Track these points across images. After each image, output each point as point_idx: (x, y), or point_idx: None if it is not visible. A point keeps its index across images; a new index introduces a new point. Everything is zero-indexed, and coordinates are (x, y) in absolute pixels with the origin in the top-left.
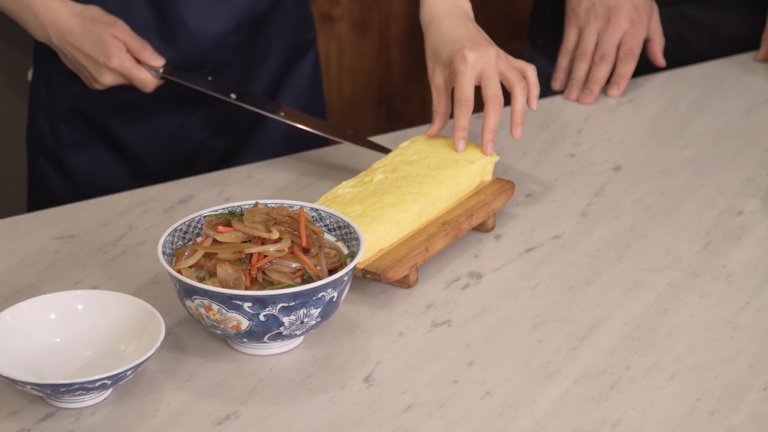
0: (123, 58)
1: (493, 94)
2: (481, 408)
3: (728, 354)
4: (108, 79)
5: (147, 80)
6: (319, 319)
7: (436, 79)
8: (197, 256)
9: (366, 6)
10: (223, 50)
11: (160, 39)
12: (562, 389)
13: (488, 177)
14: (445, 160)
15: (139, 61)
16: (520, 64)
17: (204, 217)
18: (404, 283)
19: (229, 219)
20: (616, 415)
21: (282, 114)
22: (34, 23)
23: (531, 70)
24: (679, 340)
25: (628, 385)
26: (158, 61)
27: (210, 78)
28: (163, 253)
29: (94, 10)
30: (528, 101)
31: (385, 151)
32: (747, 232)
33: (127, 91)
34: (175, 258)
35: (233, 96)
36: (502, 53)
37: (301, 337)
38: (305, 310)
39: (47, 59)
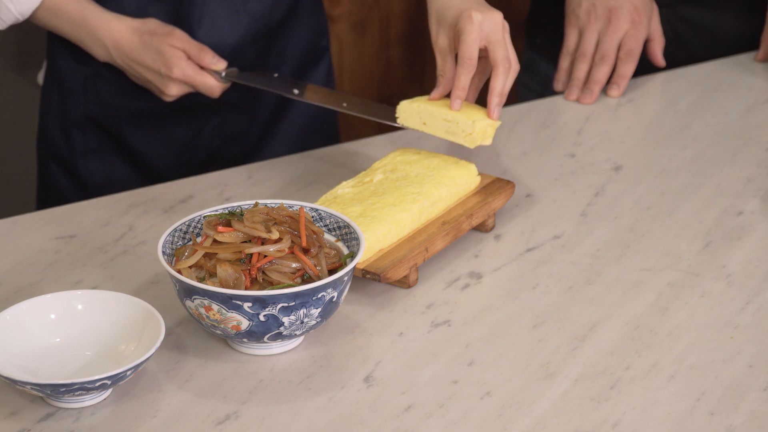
0: (184, 66)
1: (503, 57)
2: (481, 408)
3: (728, 354)
4: (174, 90)
5: (212, 85)
6: (319, 319)
7: (440, 41)
8: (197, 256)
9: (366, 6)
10: (239, 60)
11: None
12: (562, 389)
13: (488, 141)
14: (445, 160)
15: (202, 67)
16: (515, 52)
17: (204, 217)
18: (404, 283)
19: (229, 219)
20: (616, 415)
21: (344, 105)
22: (96, 44)
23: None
24: (679, 340)
25: (628, 385)
26: (220, 65)
27: (276, 74)
28: (163, 253)
29: (152, 23)
30: (500, 89)
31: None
32: (747, 232)
33: (140, 100)
34: (175, 258)
35: (296, 92)
36: (506, 24)
37: (301, 337)
38: (305, 310)
39: (59, 65)
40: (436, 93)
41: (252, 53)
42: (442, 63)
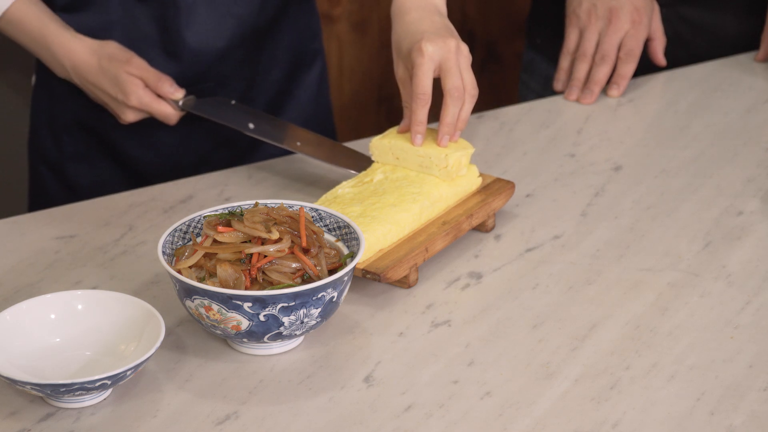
0: (141, 95)
1: (453, 86)
2: (481, 408)
3: (728, 354)
4: (130, 117)
5: (169, 113)
6: (319, 319)
7: (400, 72)
8: (197, 256)
9: (366, 6)
10: (227, 64)
11: (163, 53)
12: (562, 389)
13: (463, 171)
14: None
15: (159, 95)
16: (473, 76)
17: (204, 217)
18: (404, 283)
19: (229, 219)
20: (616, 415)
21: (298, 144)
22: (54, 62)
23: (475, 93)
24: (679, 340)
25: (628, 385)
26: (177, 94)
27: (233, 102)
28: (163, 253)
29: (111, 47)
30: (459, 116)
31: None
32: (747, 232)
33: None
34: (175, 258)
35: (251, 126)
36: (464, 48)
37: (301, 337)
38: (305, 310)
39: (49, 70)
40: (403, 124)
41: (240, 57)
42: (405, 93)
